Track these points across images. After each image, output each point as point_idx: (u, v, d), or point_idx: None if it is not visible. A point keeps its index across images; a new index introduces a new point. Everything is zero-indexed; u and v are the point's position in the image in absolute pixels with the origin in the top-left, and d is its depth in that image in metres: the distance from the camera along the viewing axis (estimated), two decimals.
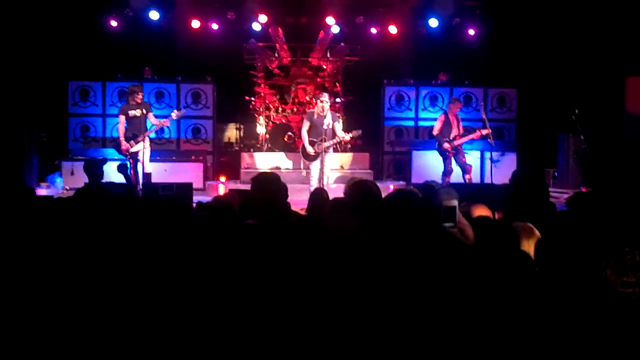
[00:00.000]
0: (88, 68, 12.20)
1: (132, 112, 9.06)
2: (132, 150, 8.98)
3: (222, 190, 9.79)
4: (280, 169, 11.08)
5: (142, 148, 8.97)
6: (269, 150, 11.82)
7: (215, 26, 12.68)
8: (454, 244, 3.40)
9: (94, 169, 6.16)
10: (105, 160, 6.48)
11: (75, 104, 12.26)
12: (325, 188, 8.10)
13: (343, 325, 2.40)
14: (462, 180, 9.87)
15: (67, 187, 10.22)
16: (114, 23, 12.24)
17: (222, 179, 11.19)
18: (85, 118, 12.28)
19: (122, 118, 9.13)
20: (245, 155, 11.66)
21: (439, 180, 9.72)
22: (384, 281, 2.60)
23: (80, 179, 9.63)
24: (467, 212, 3.42)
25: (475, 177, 10.33)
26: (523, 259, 3.02)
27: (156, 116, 9.40)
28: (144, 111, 9.02)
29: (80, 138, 12.22)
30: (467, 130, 10.22)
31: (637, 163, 10.36)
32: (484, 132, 9.80)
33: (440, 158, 10.21)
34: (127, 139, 9.00)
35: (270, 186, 4.46)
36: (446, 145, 9.93)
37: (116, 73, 12.32)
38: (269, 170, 8.56)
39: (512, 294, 2.54)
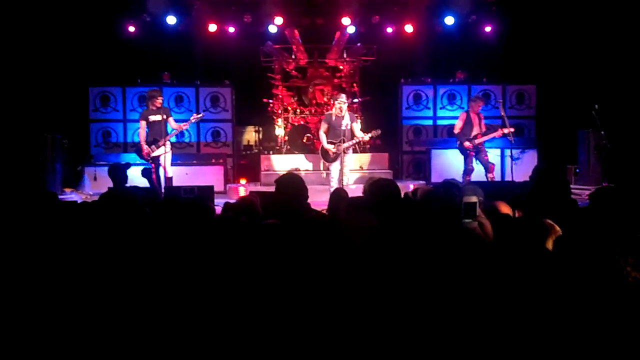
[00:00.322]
0: (108, 74, 12.37)
1: (152, 117, 9.14)
2: (154, 154, 9.06)
3: (242, 192, 9.87)
4: (299, 170, 11.13)
5: (164, 152, 9.10)
6: (288, 152, 11.88)
7: (232, 29, 12.77)
8: (474, 241, 3.41)
9: (119, 173, 6.27)
10: (129, 165, 6.58)
11: (96, 110, 12.43)
12: (345, 188, 8.15)
13: (360, 323, 2.42)
14: (484, 179, 9.81)
15: (91, 192, 10.36)
16: (131, 28, 12.40)
17: (243, 181, 11.27)
18: (106, 124, 12.44)
19: (143, 123, 9.20)
20: (264, 158, 11.73)
21: (460, 179, 9.69)
22: (403, 279, 2.62)
23: (104, 184, 9.77)
24: (492, 209, 3.43)
25: (495, 174, 10.26)
26: (544, 256, 3.03)
27: (176, 120, 9.51)
28: (164, 116, 9.13)
29: (102, 143, 12.38)
30: (490, 129, 10.11)
31: None
32: (506, 130, 9.69)
33: (462, 157, 10.16)
34: (149, 144, 9.08)
35: (293, 186, 4.53)
36: (467, 144, 9.87)
37: (135, 78, 12.46)
38: (291, 171, 8.59)
39: (532, 291, 2.55)
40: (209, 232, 3.20)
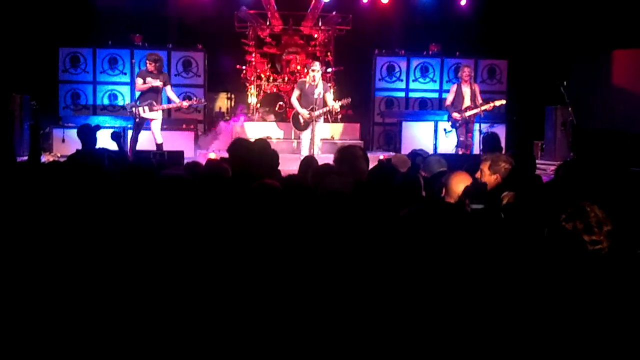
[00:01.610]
0: (79, 35, 12.11)
1: (150, 80, 9.20)
2: (144, 115, 9.12)
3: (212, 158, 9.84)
4: (271, 138, 11.14)
5: (155, 118, 9.21)
6: (260, 119, 11.85)
7: None
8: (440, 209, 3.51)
9: (88, 135, 6.25)
10: (99, 127, 6.55)
11: (66, 71, 12.19)
12: (316, 157, 8.21)
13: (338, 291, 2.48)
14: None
15: (59, 155, 10.25)
16: None
17: (213, 147, 11.23)
18: (75, 85, 12.22)
19: (140, 80, 9.24)
20: (236, 125, 11.70)
21: (431, 152, 9.78)
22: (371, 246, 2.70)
23: (72, 146, 9.71)
24: (446, 182, 3.51)
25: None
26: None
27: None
28: (162, 82, 9.23)
29: (71, 105, 12.18)
30: (486, 102, 9.76)
31: (622, 134, 10.51)
32: (498, 102, 9.63)
33: (432, 129, 10.21)
34: (142, 105, 9.13)
35: (245, 152, 4.60)
36: (455, 115, 9.65)
37: (107, 40, 12.24)
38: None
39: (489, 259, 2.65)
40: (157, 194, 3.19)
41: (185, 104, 9.66)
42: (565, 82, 9.87)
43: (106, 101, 12.25)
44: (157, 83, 9.21)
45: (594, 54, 12.37)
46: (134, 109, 9.23)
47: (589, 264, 2.55)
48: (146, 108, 9.13)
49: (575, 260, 2.58)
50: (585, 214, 2.61)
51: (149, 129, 9.36)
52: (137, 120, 9.23)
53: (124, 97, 12.19)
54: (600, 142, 10.40)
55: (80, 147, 6.50)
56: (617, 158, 8.82)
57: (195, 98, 9.69)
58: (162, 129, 9.67)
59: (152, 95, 9.22)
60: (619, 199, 3.72)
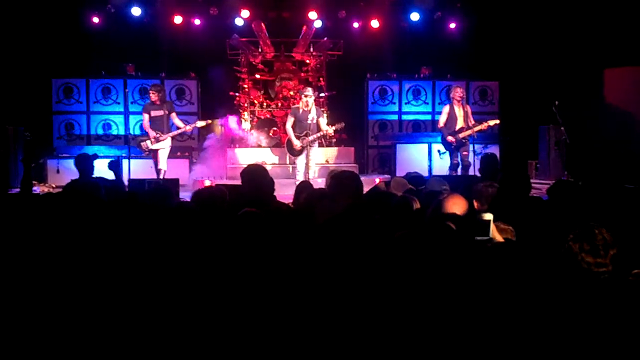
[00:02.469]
0: (71, 65, 12.19)
1: (154, 112, 9.33)
2: (152, 147, 9.28)
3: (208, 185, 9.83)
4: (266, 164, 11.13)
5: (163, 147, 9.35)
6: (254, 145, 11.87)
7: (197, 22, 12.70)
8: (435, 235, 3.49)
9: (86, 164, 6.27)
10: (96, 156, 6.56)
11: (59, 102, 12.25)
12: (311, 182, 8.20)
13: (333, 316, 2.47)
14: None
15: (54, 185, 10.21)
16: (96, 19, 12.23)
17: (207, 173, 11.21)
18: (69, 115, 12.27)
19: (146, 116, 9.37)
20: (230, 151, 11.70)
21: (426, 174, 9.77)
22: (363, 268, 2.68)
23: (66, 177, 9.70)
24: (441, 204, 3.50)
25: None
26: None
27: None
28: (167, 111, 9.35)
29: (65, 136, 12.21)
30: (479, 122, 9.75)
31: (615, 152, 10.55)
32: (492, 122, 9.62)
33: (426, 152, 10.23)
34: (149, 138, 9.31)
35: (257, 176, 4.60)
36: (450, 138, 9.60)
37: (100, 70, 12.31)
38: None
39: (491, 282, 2.63)
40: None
41: (189, 127, 9.74)
42: (556, 102, 9.93)
43: (100, 131, 12.28)
44: (162, 113, 9.34)
45: (585, 73, 12.48)
46: (142, 143, 9.37)
47: (592, 286, 2.53)
48: (153, 139, 9.29)
49: (579, 281, 2.57)
50: (592, 236, 2.60)
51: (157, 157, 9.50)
52: (146, 153, 9.41)
53: (117, 126, 12.23)
54: (594, 160, 10.43)
55: (77, 177, 6.49)
56: (611, 176, 8.84)
57: (197, 121, 9.86)
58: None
59: (157, 125, 9.35)
60: (614, 218, 3.71)
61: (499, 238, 3.14)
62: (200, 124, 9.82)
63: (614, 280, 2.59)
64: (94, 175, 6.32)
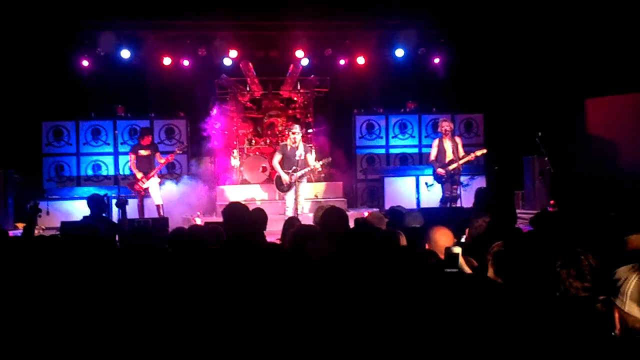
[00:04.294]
0: (61, 108, 12.32)
1: (141, 152, 10.10)
2: (144, 186, 9.93)
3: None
4: (255, 200, 11.22)
5: (152, 184, 10.03)
6: (244, 182, 11.96)
7: (186, 62, 12.88)
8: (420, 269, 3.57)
9: (99, 203, 6.79)
10: (107, 196, 7.00)
11: (49, 144, 12.34)
12: (301, 217, 8.29)
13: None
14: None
15: (43, 227, 10.23)
16: (85, 62, 12.39)
17: (198, 212, 11.26)
18: (59, 157, 12.35)
19: (133, 157, 10.17)
20: (220, 189, 11.78)
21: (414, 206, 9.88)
22: (349, 304, 2.75)
23: (56, 219, 9.79)
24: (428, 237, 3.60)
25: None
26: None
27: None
28: (152, 151, 10.14)
29: (55, 177, 12.26)
30: (467, 154, 9.83)
31: (599, 180, 10.72)
32: (479, 152, 9.76)
33: (414, 184, 10.32)
34: (141, 179, 9.97)
35: (237, 214, 4.68)
36: (440, 170, 9.70)
37: (89, 112, 12.45)
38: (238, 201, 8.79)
39: (477, 313, 2.70)
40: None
41: (170, 157, 10.33)
42: (540, 133, 10.12)
43: (90, 172, 12.36)
44: (147, 153, 10.10)
45: (567, 104, 12.75)
46: (134, 185, 10.00)
47: (578, 311, 2.61)
48: (144, 179, 9.95)
49: (567, 306, 2.65)
50: (579, 262, 2.69)
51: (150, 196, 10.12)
52: (142, 192, 10.04)
53: (107, 167, 12.32)
54: (578, 188, 10.60)
55: (67, 219, 6.69)
56: (594, 204, 8.98)
57: (177, 148, 10.39)
58: (147, 197, 10.03)
59: (144, 165, 10.09)
60: (598, 245, 3.80)
61: (467, 270, 3.24)
62: (170, 158, 10.35)
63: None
64: (104, 214, 6.93)
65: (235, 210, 4.80)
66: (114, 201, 9.09)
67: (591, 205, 8.98)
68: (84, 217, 6.75)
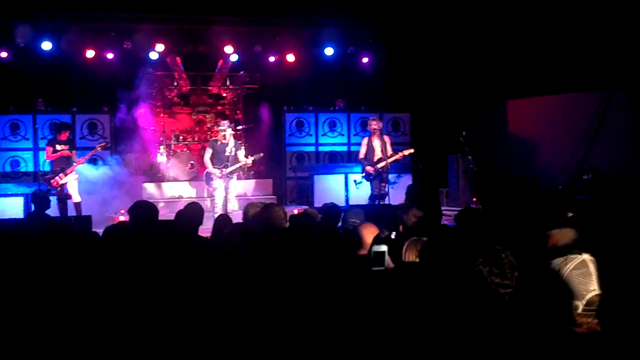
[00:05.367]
0: None
1: (58, 147, 9.63)
2: (62, 182, 9.46)
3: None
4: (182, 198, 11.04)
5: (70, 180, 9.57)
6: (171, 180, 11.73)
7: (110, 56, 12.48)
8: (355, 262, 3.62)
9: (42, 199, 6.66)
10: (49, 191, 6.73)
11: None
12: (230, 214, 8.21)
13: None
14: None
15: None
16: (4, 54, 11.82)
17: (122, 211, 10.94)
18: None
19: (50, 149, 9.66)
20: (146, 186, 11.51)
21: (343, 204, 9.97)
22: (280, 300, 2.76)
23: None
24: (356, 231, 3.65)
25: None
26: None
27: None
28: (70, 148, 9.72)
29: None
30: (395, 152, 9.94)
31: (520, 178, 11.18)
32: (406, 152, 9.88)
33: (343, 182, 10.42)
34: (55, 173, 9.47)
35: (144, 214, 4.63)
36: (369, 168, 9.80)
37: (7, 105, 11.89)
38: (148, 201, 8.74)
39: (403, 305, 2.76)
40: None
41: (82, 160, 9.86)
42: (463, 132, 10.44)
43: (8, 168, 11.81)
44: (62, 148, 9.60)
45: (490, 104, 13.22)
46: (51, 180, 9.44)
47: (499, 307, 2.70)
48: (61, 175, 9.44)
49: (488, 302, 2.74)
50: (500, 260, 2.78)
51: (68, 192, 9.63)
52: (59, 189, 9.50)
53: (26, 163, 11.80)
54: (499, 187, 11.01)
55: None
56: (515, 201, 9.34)
57: (99, 144, 9.97)
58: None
59: (62, 162, 9.59)
60: (518, 243, 3.95)
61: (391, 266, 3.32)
62: (87, 156, 9.96)
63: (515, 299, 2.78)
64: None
65: (141, 209, 4.72)
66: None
67: (512, 202, 9.33)
68: (28, 214, 6.54)
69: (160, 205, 9.71)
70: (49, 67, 12.08)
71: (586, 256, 2.40)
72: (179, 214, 4.99)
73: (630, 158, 10.87)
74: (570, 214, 5.07)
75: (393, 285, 2.91)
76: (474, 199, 10.90)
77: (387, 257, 3.35)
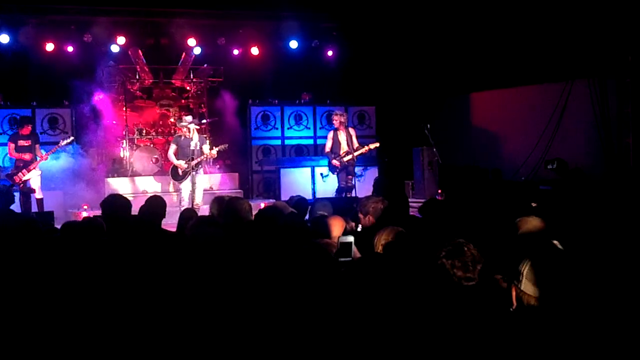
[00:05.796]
0: None
1: (21, 142, 9.46)
2: (24, 178, 9.32)
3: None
4: (147, 192, 10.89)
5: (32, 177, 9.42)
6: (134, 174, 11.57)
7: (70, 49, 12.22)
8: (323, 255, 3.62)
9: (5, 195, 6.79)
10: (6, 187, 6.54)
11: None
12: (197, 208, 8.16)
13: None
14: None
15: None
16: None
17: (85, 207, 10.74)
18: None
19: (12, 145, 9.50)
20: (109, 181, 11.32)
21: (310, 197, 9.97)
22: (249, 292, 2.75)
23: None
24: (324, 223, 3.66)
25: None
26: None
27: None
28: (33, 142, 9.55)
29: None
30: (361, 146, 9.92)
31: (484, 169, 11.35)
32: (372, 145, 9.90)
33: (310, 175, 10.42)
34: (19, 169, 9.32)
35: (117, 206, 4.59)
36: (334, 162, 9.80)
37: None
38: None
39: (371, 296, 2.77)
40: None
41: (45, 156, 9.62)
42: (428, 125, 10.52)
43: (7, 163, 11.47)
44: (27, 143, 9.48)
45: (454, 97, 13.36)
46: (14, 177, 9.29)
47: (461, 299, 2.73)
48: (24, 171, 9.32)
49: (450, 294, 2.76)
50: (463, 253, 2.80)
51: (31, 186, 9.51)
52: (22, 185, 9.35)
53: None
54: (463, 178, 11.15)
55: None
56: (478, 192, 9.48)
57: (61, 140, 9.80)
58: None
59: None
60: (482, 233, 4.01)
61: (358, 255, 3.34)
62: (65, 142, 9.82)
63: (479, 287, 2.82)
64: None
65: (114, 203, 4.66)
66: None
67: (475, 193, 9.46)
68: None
69: None
70: (7, 60, 11.77)
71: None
72: (141, 208, 4.93)
73: (591, 148, 11.11)
74: (534, 204, 5.17)
75: (358, 276, 2.91)
76: (439, 191, 11.02)
77: (354, 248, 3.37)
